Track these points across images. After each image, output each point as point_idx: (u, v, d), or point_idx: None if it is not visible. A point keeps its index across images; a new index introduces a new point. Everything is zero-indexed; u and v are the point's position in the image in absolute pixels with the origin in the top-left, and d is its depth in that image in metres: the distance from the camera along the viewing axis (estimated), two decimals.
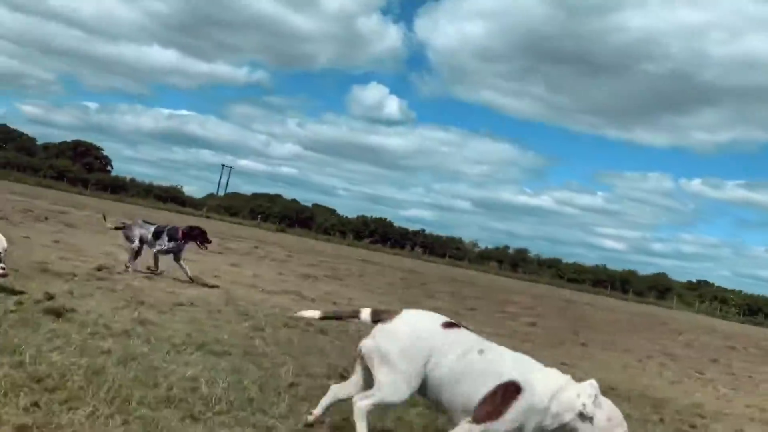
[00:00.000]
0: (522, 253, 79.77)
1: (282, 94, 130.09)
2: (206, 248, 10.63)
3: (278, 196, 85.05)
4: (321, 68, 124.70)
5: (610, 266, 77.13)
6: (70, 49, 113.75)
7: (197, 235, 10.31)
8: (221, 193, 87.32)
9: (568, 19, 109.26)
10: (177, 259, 10.14)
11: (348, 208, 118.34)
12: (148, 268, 10.19)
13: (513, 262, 76.46)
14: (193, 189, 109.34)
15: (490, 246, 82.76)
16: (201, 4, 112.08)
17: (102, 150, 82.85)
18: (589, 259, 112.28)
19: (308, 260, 21.03)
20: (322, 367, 5.46)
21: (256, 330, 6.61)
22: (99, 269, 9.10)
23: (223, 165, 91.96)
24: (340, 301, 11.17)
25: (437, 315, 3.86)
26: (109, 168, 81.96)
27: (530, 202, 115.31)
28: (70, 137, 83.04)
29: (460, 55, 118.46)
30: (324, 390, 4.01)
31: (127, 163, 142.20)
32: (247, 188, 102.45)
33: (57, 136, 78.66)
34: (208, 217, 56.29)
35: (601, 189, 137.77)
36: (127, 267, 9.84)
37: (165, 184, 79.42)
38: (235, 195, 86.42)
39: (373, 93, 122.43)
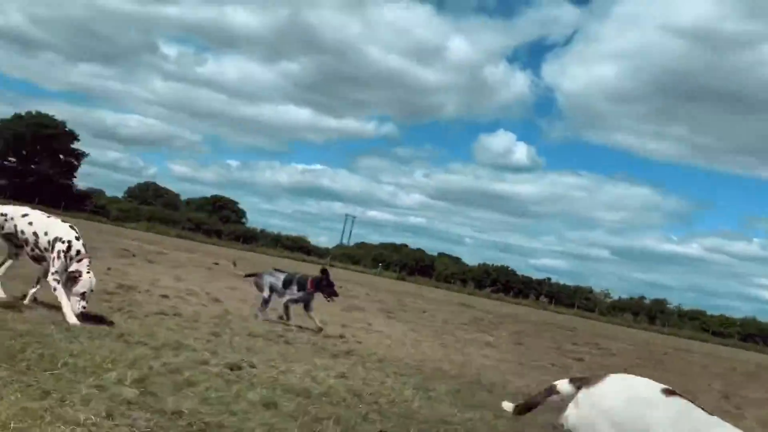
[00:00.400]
0: (660, 303, 74.08)
1: (409, 146, 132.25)
2: (333, 300, 10.42)
3: (404, 246, 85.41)
4: (447, 118, 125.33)
5: (761, 318, 69.68)
6: (215, 111, 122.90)
7: (325, 286, 10.11)
8: (345, 242, 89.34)
9: (710, 55, 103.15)
10: (307, 308, 10.05)
11: (475, 257, 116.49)
12: (280, 318, 10.15)
13: (650, 313, 71.07)
14: (322, 239, 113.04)
15: (624, 296, 77.79)
16: (331, 63, 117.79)
17: (238, 204, 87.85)
18: (742, 312, 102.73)
19: (425, 307, 20.23)
20: None
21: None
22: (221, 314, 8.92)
23: (347, 215, 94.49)
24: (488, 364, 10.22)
25: (651, 381, 3.19)
26: (243, 220, 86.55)
27: (676, 250, 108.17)
28: (212, 192, 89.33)
29: (590, 98, 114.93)
30: None
31: (263, 215, 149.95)
32: (375, 238, 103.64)
33: (201, 192, 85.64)
34: (331, 266, 57.33)
35: (757, 235, 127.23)
36: (256, 315, 9.85)
37: (293, 234, 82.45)
38: (362, 245, 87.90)
39: (500, 140, 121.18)
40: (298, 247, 75.32)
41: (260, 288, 10.29)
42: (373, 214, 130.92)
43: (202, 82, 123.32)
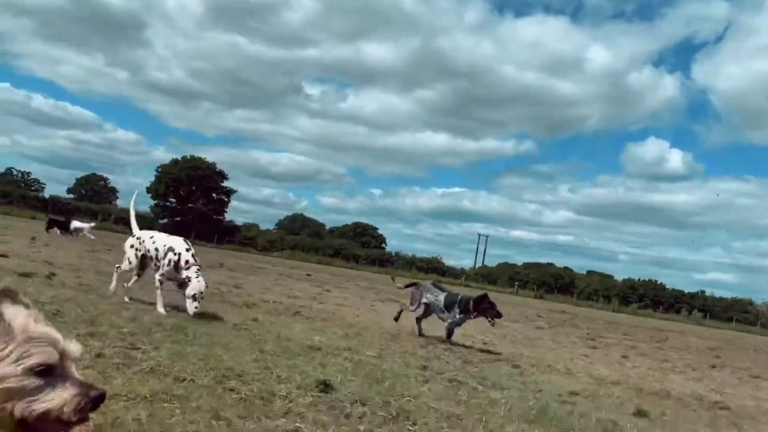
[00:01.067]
0: None
1: (550, 162, 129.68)
2: (495, 323, 9.71)
3: (548, 264, 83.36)
4: (591, 131, 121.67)
5: None
6: (357, 144, 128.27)
7: (488, 308, 9.49)
8: (480, 262, 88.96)
9: None
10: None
11: (631, 274, 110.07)
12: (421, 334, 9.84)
13: None
14: (464, 261, 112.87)
15: None
16: (466, 86, 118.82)
17: (377, 229, 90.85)
18: None
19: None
20: None
21: None
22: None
23: (479, 234, 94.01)
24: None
25: None
26: (383, 245, 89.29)
27: None
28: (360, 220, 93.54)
29: (750, 95, 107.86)
30: None
31: (405, 240, 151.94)
32: (519, 258, 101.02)
33: (349, 222, 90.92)
34: (466, 286, 57.54)
35: None
36: (396, 319, 10.30)
37: (427, 256, 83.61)
38: (501, 265, 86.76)
39: (651, 149, 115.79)
40: (432, 268, 76.22)
41: (413, 300, 10.07)
42: (516, 234, 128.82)
43: (343, 117, 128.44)
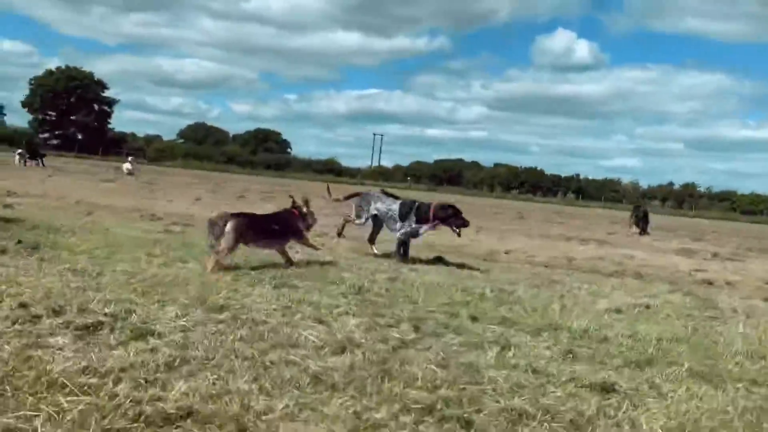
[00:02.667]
0: (689, 188, 74.56)
1: (464, 57, 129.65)
2: (461, 232, 8.42)
3: (460, 161, 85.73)
4: (501, 24, 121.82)
5: None
6: (266, 46, 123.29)
7: (451, 216, 8.12)
8: (376, 162, 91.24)
9: None
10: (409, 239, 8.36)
11: (545, 165, 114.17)
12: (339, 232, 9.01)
13: (679, 198, 71.82)
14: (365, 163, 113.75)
15: (653, 185, 78.34)
16: None
17: (280, 134, 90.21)
18: None
19: None
20: None
21: None
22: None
23: (374, 134, 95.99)
24: None
25: None
26: (288, 150, 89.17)
27: (755, 135, 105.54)
28: (275, 128, 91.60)
29: None
30: None
31: (324, 146, 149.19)
32: (436, 156, 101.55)
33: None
34: (362, 184, 59.73)
35: None
36: (339, 234, 8.99)
37: (323, 158, 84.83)
38: (419, 163, 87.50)
39: (559, 40, 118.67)
40: (328, 169, 77.80)
41: (359, 213, 8.56)
42: (433, 132, 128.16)
43: (249, 18, 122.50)
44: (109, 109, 71.79)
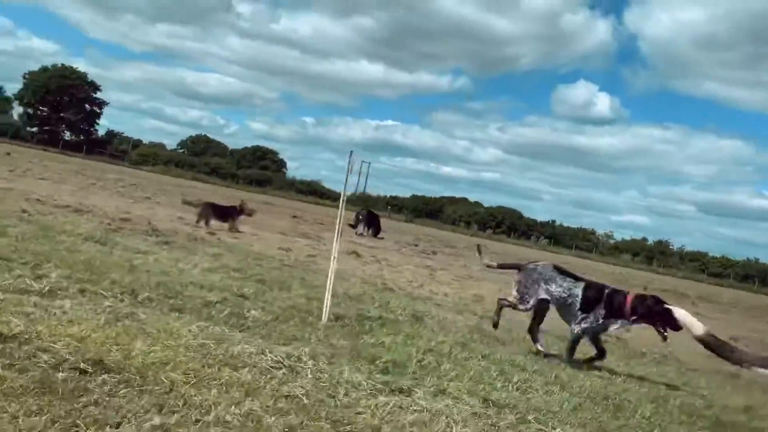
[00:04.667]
0: (662, 245, 75.54)
1: (483, 99, 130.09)
2: (665, 336, 6.08)
3: (464, 199, 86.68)
4: (524, 70, 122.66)
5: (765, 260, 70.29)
6: (290, 68, 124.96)
7: (658, 312, 6.01)
8: (361, 190, 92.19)
9: None
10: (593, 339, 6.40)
11: (554, 213, 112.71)
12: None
13: (650, 254, 72.70)
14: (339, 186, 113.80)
15: (626, 237, 79.30)
16: (404, 16, 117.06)
17: (278, 154, 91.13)
18: None
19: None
20: None
21: None
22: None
23: (362, 161, 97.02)
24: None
25: None
26: (284, 170, 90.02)
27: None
28: (290, 150, 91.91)
29: (678, 45, 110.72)
30: None
31: (335, 171, 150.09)
32: (449, 194, 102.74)
33: (278, 148, 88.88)
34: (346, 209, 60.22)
35: None
36: (495, 324, 6.75)
37: (307, 179, 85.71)
38: (417, 197, 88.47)
39: (580, 91, 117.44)
40: (311, 191, 78.64)
41: (523, 295, 6.54)
42: (447, 170, 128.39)
43: (276, 39, 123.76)
44: (99, 111, 72.75)
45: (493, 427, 3.51)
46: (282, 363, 3.88)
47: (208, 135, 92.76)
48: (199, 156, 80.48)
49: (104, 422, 2.55)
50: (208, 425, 2.76)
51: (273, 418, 2.95)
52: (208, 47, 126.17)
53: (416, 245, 20.94)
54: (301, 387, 3.49)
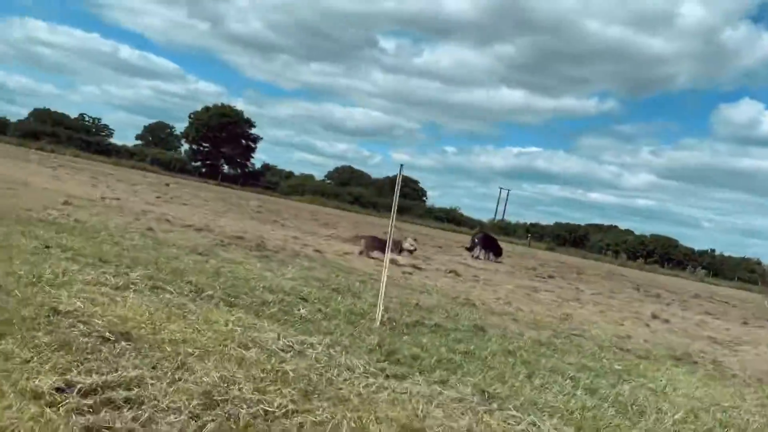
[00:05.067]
0: None
1: (634, 122, 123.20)
2: None
3: (613, 227, 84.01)
4: (678, 90, 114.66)
5: None
6: (431, 99, 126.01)
7: None
8: (499, 217, 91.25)
9: None
10: None
11: (714, 242, 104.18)
12: None
13: None
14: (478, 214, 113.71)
15: None
16: (547, 41, 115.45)
17: (418, 182, 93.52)
18: None
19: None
20: None
21: None
22: None
23: (500, 188, 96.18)
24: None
25: None
26: (424, 198, 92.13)
27: None
28: (429, 180, 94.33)
29: None
30: None
31: (477, 199, 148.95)
32: (596, 221, 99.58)
33: (419, 177, 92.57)
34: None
35: None
36: None
37: (446, 206, 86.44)
38: (560, 224, 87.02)
39: (744, 110, 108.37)
40: (449, 218, 79.21)
41: None
42: (594, 196, 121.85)
43: (418, 72, 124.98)
44: (254, 145, 78.90)
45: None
46: (292, 347, 4.29)
47: (353, 166, 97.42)
48: (344, 186, 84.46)
49: (95, 371, 3.11)
50: (186, 381, 3.23)
51: (248, 384, 3.36)
52: (354, 83, 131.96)
53: (534, 269, 20.49)
54: (295, 365, 3.87)
